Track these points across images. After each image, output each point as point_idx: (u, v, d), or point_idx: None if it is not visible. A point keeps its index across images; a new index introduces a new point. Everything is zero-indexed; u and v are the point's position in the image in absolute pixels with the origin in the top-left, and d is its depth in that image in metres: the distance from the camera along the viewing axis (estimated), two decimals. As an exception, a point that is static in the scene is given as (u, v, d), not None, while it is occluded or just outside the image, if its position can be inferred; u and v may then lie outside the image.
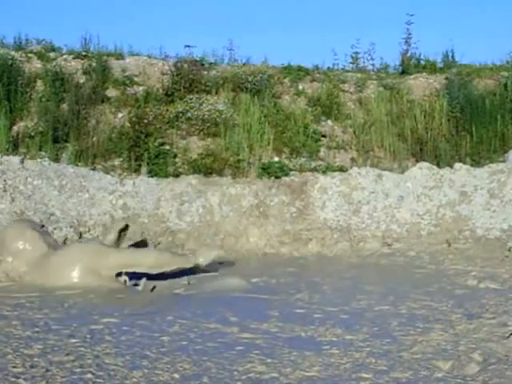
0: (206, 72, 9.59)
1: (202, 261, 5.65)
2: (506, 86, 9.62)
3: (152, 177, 7.52)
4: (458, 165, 7.21)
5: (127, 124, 8.49)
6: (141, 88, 9.26)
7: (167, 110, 8.75)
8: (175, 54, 10.14)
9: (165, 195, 6.84)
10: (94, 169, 7.68)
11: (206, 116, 8.65)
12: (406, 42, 10.69)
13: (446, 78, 9.96)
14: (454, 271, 5.58)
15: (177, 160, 8.13)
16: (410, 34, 10.70)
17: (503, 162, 7.67)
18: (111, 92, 9.12)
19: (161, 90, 9.18)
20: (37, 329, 3.80)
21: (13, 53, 9.42)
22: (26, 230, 5.57)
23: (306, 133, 8.80)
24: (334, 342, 3.68)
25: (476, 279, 5.20)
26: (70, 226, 6.47)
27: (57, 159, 7.84)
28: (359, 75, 10.24)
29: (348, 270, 5.72)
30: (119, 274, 5.29)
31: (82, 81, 9.18)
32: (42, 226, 6.25)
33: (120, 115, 8.82)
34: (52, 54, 9.78)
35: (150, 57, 9.97)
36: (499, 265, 5.75)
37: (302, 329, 3.91)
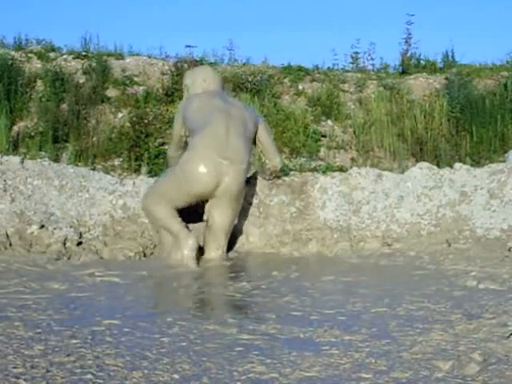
0: (206, 72, 9.59)
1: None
2: (506, 86, 9.66)
3: (152, 177, 7.54)
4: (457, 165, 7.21)
5: (127, 124, 8.53)
6: (141, 88, 9.30)
7: (167, 110, 8.78)
8: (175, 54, 10.21)
9: (165, 195, 6.82)
10: (94, 169, 7.70)
11: (206, 116, 8.65)
12: (406, 41, 10.75)
13: (446, 78, 9.98)
14: (454, 271, 5.58)
15: (177, 160, 8.14)
16: (410, 34, 10.77)
17: (503, 162, 7.67)
18: (111, 92, 9.16)
19: (161, 90, 9.23)
20: (39, 330, 3.80)
21: (13, 53, 9.46)
22: None
23: (306, 133, 8.84)
24: (333, 343, 3.68)
25: (476, 279, 5.19)
26: (70, 226, 6.47)
27: (57, 159, 7.87)
28: (359, 75, 10.28)
29: (348, 271, 5.72)
30: None
31: (82, 81, 9.22)
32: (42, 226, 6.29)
33: (120, 115, 8.85)
34: (52, 54, 9.81)
35: (150, 57, 10.02)
36: (499, 265, 5.74)
37: (300, 330, 3.91)
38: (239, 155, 6.00)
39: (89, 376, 3.11)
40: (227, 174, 5.91)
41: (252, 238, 6.70)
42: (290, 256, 6.45)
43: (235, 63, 10.45)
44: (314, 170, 8.12)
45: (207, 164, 5.89)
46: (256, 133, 6.37)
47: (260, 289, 5.04)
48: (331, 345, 3.63)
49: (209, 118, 6.07)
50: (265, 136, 6.44)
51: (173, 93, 9.00)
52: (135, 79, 9.35)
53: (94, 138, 8.36)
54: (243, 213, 6.84)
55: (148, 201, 6.26)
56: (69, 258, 6.05)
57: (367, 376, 3.19)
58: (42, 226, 6.40)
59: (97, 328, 3.87)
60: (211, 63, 10.07)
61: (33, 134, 8.32)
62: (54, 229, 6.41)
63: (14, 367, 3.19)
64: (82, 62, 9.53)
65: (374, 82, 10.02)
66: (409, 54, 10.84)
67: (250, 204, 6.91)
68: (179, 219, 6.10)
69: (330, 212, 6.87)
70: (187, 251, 5.87)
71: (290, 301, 4.65)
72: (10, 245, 6.16)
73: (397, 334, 3.84)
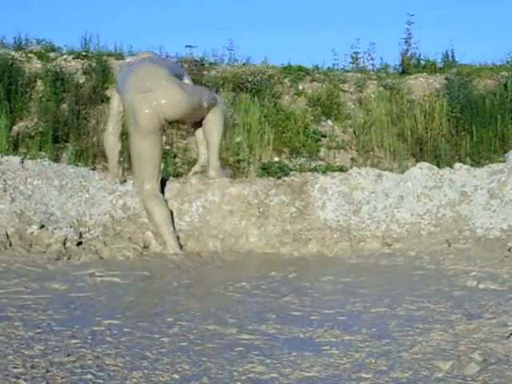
0: (206, 72, 9.62)
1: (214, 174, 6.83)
2: (506, 86, 9.66)
3: (152, 177, 7.52)
4: (457, 165, 7.22)
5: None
6: (141, 88, 9.27)
7: (167, 110, 8.76)
8: (175, 54, 10.20)
9: (165, 195, 6.84)
10: (94, 169, 7.70)
11: (206, 116, 8.65)
12: (406, 41, 10.75)
13: (446, 78, 9.98)
14: (454, 271, 5.58)
15: (177, 160, 8.15)
16: (410, 34, 10.76)
17: (503, 162, 7.68)
18: (111, 92, 9.14)
19: (161, 90, 9.20)
20: (39, 330, 3.80)
21: (13, 53, 9.46)
22: None
23: (306, 133, 8.84)
24: (333, 343, 3.68)
25: (476, 279, 5.20)
26: (70, 226, 6.48)
27: (57, 159, 7.87)
28: (359, 75, 10.28)
29: (347, 271, 5.72)
30: None
31: (82, 81, 9.22)
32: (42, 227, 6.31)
33: (120, 115, 8.82)
34: (52, 54, 9.82)
35: (150, 57, 9.97)
36: (499, 265, 5.75)
37: (300, 330, 3.91)
38: (156, 79, 6.45)
39: (89, 376, 3.11)
40: (158, 99, 6.41)
41: (252, 238, 6.71)
42: (289, 256, 6.45)
43: (235, 63, 10.45)
44: (314, 169, 8.12)
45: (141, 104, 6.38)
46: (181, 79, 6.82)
47: (260, 289, 5.04)
48: (331, 345, 3.63)
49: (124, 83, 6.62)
50: (188, 82, 6.90)
51: (173, 93, 9.02)
52: (135, 79, 9.37)
53: (94, 138, 8.38)
54: (243, 213, 6.85)
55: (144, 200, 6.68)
56: (69, 258, 6.05)
57: (367, 376, 3.19)
58: (42, 226, 6.40)
59: (97, 328, 3.87)
60: (211, 63, 10.08)
61: (33, 134, 8.33)
62: (54, 229, 6.41)
63: (14, 367, 3.19)
64: (82, 62, 9.55)
65: (374, 82, 10.03)
66: (409, 54, 10.85)
67: (250, 204, 6.91)
68: (169, 222, 6.51)
69: (330, 212, 6.87)
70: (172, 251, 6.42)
71: (289, 301, 4.65)
72: (10, 245, 6.16)
73: (397, 333, 3.84)
